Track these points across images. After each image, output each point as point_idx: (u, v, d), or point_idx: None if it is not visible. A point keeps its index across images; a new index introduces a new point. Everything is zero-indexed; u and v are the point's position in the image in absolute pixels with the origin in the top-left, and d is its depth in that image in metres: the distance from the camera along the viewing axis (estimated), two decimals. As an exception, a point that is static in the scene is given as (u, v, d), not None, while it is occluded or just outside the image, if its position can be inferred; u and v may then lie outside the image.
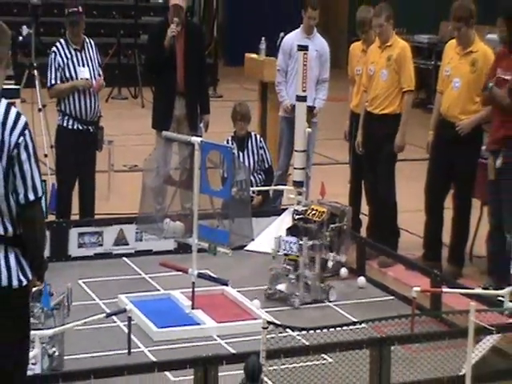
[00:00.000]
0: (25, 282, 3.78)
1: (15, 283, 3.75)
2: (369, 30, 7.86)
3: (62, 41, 7.41)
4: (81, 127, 7.37)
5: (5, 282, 3.72)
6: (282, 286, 6.47)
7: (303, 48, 7.37)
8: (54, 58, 7.33)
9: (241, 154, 8.06)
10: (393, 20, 7.49)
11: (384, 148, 7.47)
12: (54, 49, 7.38)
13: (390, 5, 7.60)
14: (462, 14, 6.97)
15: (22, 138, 3.69)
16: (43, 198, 3.90)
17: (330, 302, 6.51)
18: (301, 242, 6.44)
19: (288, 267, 6.49)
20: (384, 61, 7.47)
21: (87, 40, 7.48)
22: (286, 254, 6.51)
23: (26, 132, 3.72)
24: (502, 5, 6.96)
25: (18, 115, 3.74)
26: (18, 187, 3.69)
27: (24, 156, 3.69)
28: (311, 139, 8.00)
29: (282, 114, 8.42)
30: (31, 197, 3.71)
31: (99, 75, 7.48)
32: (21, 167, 3.69)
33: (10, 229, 3.74)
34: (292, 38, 8.24)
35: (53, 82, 7.33)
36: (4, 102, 3.74)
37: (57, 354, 5.04)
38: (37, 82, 9.03)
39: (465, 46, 7.05)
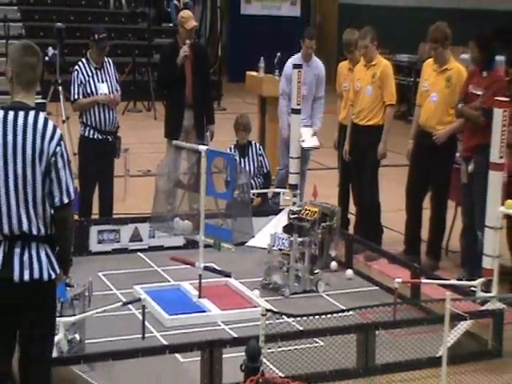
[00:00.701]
0: (53, 276, 3.81)
1: (45, 276, 3.76)
2: (354, 51, 7.84)
3: (83, 60, 7.40)
4: (101, 137, 7.36)
5: (37, 275, 3.74)
6: (275, 278, 6.45)
7: (298, 66, 7.39)
8: (77, 76, 7.32)
9: (242, 161, 8.04)
10: (376, 41, 7.49)
11: (368, 155, 7.47)
12: (76, 67, 7.37)
13: (374, 28, 7.59)
14: (438, 36, 6.98)
15: (58, 148, 3.73)
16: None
17: (318, 292, 6.47)
18: (291, 239, 6.43)
19: (282, 261, 6.47)
20: (369, 78, 7.46)
21: (106, 59, 7.46)
22: (280, 249, 6.50)
23: (62, 142, 3.76)
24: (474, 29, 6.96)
25: (55, 128, 3.78)
26: (54, 191, 3.72)
27: (61, 163, 3.72)
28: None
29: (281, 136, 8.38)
30: (65, 200, 3.74)
31: (117, 90, 7.47)
32: (57, 173, 3.72)
33: (43, 230, 3.76)
34: (292, 64, 8.11)
35: (76, 97, 7.33)
36: (42, 115, 3.77)
37: (78, 339, 5.02)
38: (61, 97, 9.04)
39: (441, 64, 7.05)
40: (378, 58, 7.54)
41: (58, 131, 3.76)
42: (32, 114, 3.74)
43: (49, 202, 3.73)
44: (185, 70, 7.79)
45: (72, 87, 7.33)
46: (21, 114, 3.73)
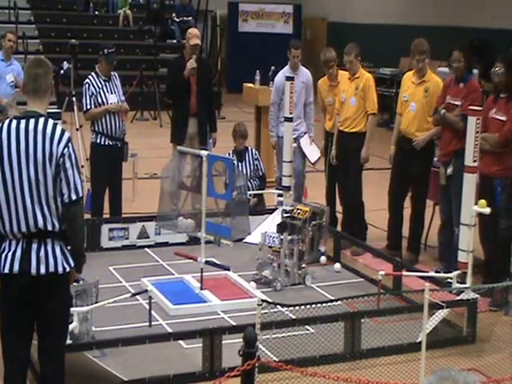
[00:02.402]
0: (68, 269, 3.79)
1: (60, 269, 3.75)
2: (333, 66, 7.80)
3: (92, 74, 7.37)
4: (110, 143, 7.34)
5: (52, 269, 3.73)
6: (266, 272, 6.41)
7: (290, 78, 7.37)
8: (88, 88, 7.30)
9: (239, 165, 8.02)
10: (360, 57, 7.46)
11: (353, 159, 7.45)
12: (87, 80, 7.34)
13: (359, 44, 7.56)
14: (424, 49, 6.96)
15: (66, 150, 3.71)
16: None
17: (306, 285, 6.42)
18: (282, 237, 6.41)
19: (272, 257, 6.43)
20: (353, 90, 7.45)
21: (112, 73, 7.45)
22: (270, 246, 6.47)
23: (70, 145, 3.74)
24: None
25: (63, 131, 3.77)
26: (63, 189, 3.70)
27: (68, 163, 3.70)
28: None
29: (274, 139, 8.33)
30: (73, 197, 3.72)
31: (122, 101, 7.46)
32: (65, 173, 3.70)
33: (57, 225, 3.74)
34: (282, 76, 8.07)
35: (88, 107, 7.30)
36: (51, 121, 3.77)
37: (84, 330, 4.93)
38: (75, 107, 9.02)
39: (419, 76, 7.04)
40: (361, 72, 7.52)
41: (66, 134, 3.75)
42: (42, 120, 3.74)
43: (60, 201, 3.72)
44: (190, 81, 7.79)
45: (84, 99, 7.31)
46: (31, 121, 3.73)
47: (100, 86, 7.32)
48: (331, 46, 8.30)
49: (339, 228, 7.75)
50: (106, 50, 7.29)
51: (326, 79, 7.99)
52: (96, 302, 5.06)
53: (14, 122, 3.75)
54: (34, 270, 3.69)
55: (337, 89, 7.79)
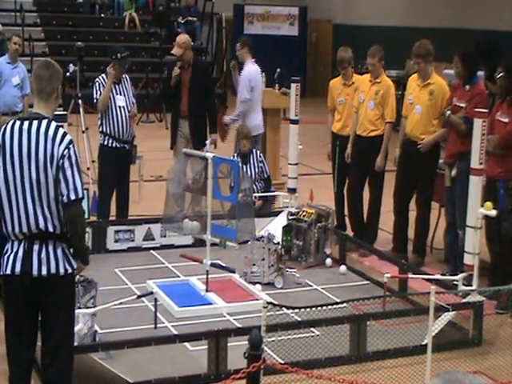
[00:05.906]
0: (70, 270, 3.80)
1: (62, 271, 3.76)
2: (347, 67, 7.77)
3: (103, 75, 7.40)
4: (118, 145, 7.35)
5: (53, 270, 3.74)
6: (253, 268, 6.39)
7: (296, 81, 7.36)
8: (98, 86, 7.31)
9: (244, 167, 8.00)
10: (383, 61, 7.34)
11: (374, 162, 7.36)
12: (97, 79, 7.35)
13: (365, 46, 7.52)
14: (421, 52, 6.94)
15: (66, 151, 3.72)
16: (85, 202, 3.91)
17: (276, 286, 6.34)
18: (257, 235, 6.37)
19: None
20: (372, 94, 7.36)
21: (123, 75, 7.47)
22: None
23: (71, 146, 3.75)
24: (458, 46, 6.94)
25: (65, 134, 3.79)
26: (63, 189, 3.71)
27: (67, 164, 3.71)
28: None
29: None
30: (72, 197, 3.72)
31: (133, 103, 7.48)
32: (64, 173, 3.71)
33: (59, 227, 3.75)
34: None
35: (96, 97, 7.29)
36: (54, 123, 3.79)
37: (82, 333, 4.87)
38: (81, 109, 9.04)
39: (423, 78, 7.03)
40: (383, 77, 7.42)
41: (68, 137, 3.77)
42: (44, 122, 3.75)
43: (60, 202, 3.73)
44: (181, 85, 7.80)
45: (94, 92, 7.31)
46: (34, 123, 3.75)
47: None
48: (336, 48, 8.23)
49: (348, 231, 7.68)
50: (119, 55, 7.32)
51: (340, 78, 7.91)
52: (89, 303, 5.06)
53: (18, 123, 3.77)
54: (35, 272, 3.71)
55: (350, 88, 7.76)
